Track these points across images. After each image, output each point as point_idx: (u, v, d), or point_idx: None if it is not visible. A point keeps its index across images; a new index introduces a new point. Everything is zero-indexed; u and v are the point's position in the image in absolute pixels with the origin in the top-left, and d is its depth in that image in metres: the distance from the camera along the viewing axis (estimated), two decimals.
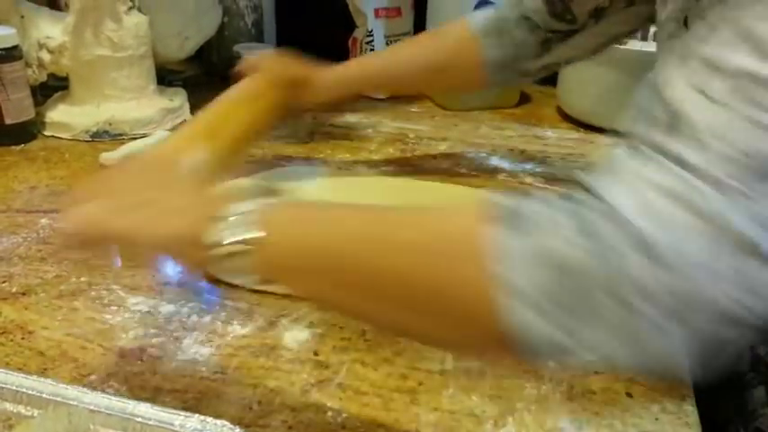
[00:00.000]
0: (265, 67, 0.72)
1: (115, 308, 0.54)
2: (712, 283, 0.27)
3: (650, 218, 0.27)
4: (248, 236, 0.34)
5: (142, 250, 0.39)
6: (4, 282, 0.57)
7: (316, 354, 0.49)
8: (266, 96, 0.69)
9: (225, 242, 0.34)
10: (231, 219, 0.35)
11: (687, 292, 0.27)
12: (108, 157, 0.80)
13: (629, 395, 0.46)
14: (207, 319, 0.53)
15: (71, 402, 0.37)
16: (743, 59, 0.28)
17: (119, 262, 0.60)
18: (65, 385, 0.38)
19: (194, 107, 0.98)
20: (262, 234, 0.34)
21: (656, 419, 0.44)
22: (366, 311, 0.36)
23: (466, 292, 0.30)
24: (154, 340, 0.50)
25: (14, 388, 0.38)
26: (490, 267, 0.29)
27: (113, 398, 0.38)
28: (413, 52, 0.73)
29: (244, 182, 0.66)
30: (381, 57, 0.80)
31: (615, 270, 0.27)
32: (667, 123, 0.29)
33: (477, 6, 0.97)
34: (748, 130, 0.27)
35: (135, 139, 0.86)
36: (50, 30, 0.88)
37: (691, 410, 0.44)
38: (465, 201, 0.33)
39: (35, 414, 0.37)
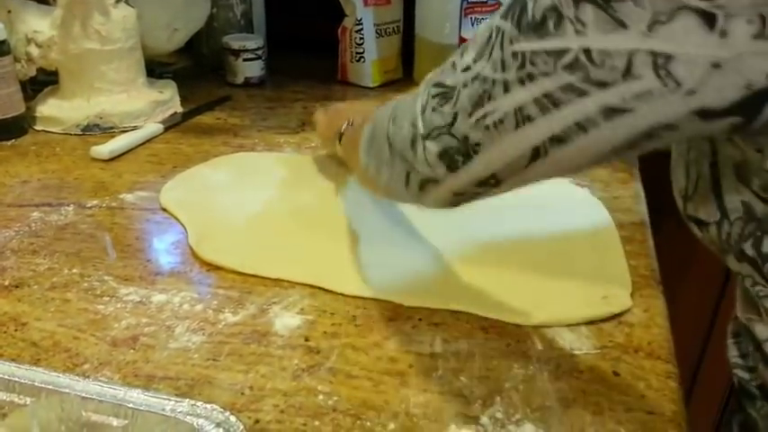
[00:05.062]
0: None
1: (107, 298, 0.54)
2: (399, 129, 0.44)
3: (402, 100, 0.45)
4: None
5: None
6: None
7: (306, 339, 0.50)
8: None
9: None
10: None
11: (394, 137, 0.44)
12: (98, 150, 0.80)
13: (615, 374, 0.46)
14: (199, 307, 0.53)
15: (63, 390, 0.38)
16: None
17: (112, 254, 0.61)
18: (57, 373, 0.39)
19: (184, 99, 0.99)
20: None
21: (642, 396, 0.44)
22: None
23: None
24: (146, 329, 0.51)
25: (6, 377, 0.38)
26: None
27: (105, 385, 0.38)
28: None
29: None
30: None
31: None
32: None
33: None
34: (450, 63, 0.40)
35: (125, 131, 0.86)
36: (38, 24, 0.88)
37: (675, 387, 0.45)
38: None
39: (28, 402, 0.38)
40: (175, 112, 0.95)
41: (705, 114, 0.30)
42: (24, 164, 0.80)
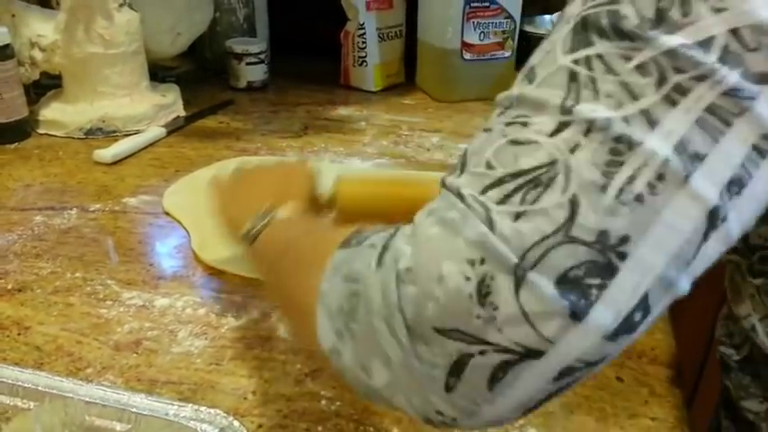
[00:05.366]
0: None
1: (110, 302, 0.54)
2: (437, 285, 0.26)
3: (415, 242, 0.28)
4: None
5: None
6: (0, 279, 0.58)
7: None
8: None
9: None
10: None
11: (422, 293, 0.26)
12: (101, 154, 0.80)
13: (619, 379, 0.46)
14: (201, 311, 0.53)
15: (67, 394, 0.38)
16: (515, 86, 0.29)
17: (115, 258, 0.61)
18: (60, 378, 0.39)
19: (187, 103, 0.99)
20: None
21: (646, 402, 0.44)
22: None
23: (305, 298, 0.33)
24: (149, 333, 0.51)
25: (10, 381, 0.39)
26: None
27: (108, 389, 0.38)
28: None
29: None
30: None
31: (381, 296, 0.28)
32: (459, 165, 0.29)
33: None
34: (497, 144, 0.27)
35: (128, 135, 0.87)
36: (42, 28, 0.88)
37: (678, 393, 0.45)
38: None
39: (31, 406, 0.38)
40: (178, 116, 0.96)
41: None
42: (27, 167, 0.80)
